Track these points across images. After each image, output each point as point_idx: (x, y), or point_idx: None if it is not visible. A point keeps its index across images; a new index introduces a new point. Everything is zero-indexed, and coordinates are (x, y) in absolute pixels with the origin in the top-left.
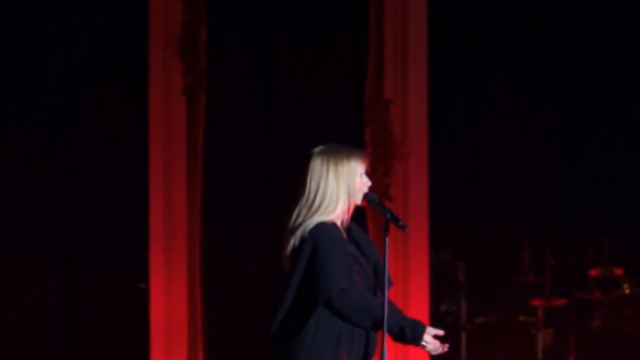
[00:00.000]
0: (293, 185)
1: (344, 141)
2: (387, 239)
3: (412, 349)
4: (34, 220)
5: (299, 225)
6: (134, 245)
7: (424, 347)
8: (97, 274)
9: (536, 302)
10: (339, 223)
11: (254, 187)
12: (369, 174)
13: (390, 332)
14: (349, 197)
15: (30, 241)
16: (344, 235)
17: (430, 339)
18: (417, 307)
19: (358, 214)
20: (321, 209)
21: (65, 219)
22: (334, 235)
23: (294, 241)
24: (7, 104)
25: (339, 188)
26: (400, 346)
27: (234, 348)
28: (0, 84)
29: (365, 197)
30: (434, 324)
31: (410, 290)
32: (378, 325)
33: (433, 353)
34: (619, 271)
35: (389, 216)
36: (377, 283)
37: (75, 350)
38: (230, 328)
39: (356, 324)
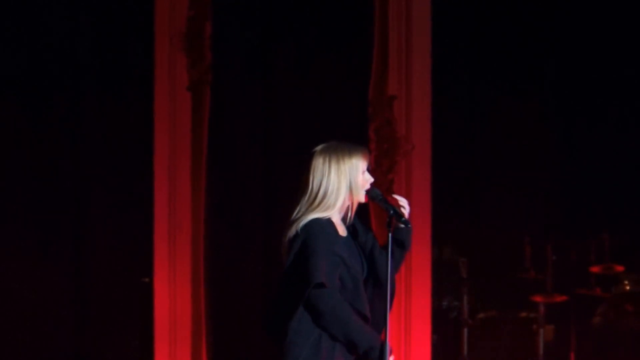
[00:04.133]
0: (295, 181)
1: (348, 137)
2: (390, 235)
3: (414, 347)
4: (42, 216)
5: (296, 219)
6: (138, 240)
7: None
8: (103, 269)
9: (537, 298)
10: (336, 219)
11: (258, 182)
12: (373, 170)
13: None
14: (351, 194)
15: (39, 236)
16: (339, 231)
17: None
18: (419, 302)
19: (361, 210)
20: (321, 206)
21: (72, 213)
22: (325, 233)
23: (289, 235)
24: (13, 101)
25: (340, 185)
26: (402, 342)
27: (238, 341)
28: (6, 81)
29: (369, 193)
30: (436, 320)
31: (412, 285)
32: (350, 342)
33: None
34: (619, 268)
35: (392, 212)
36: (371, 274)
37: (82, 342)
38: (234, 321)
39: (326, 328)
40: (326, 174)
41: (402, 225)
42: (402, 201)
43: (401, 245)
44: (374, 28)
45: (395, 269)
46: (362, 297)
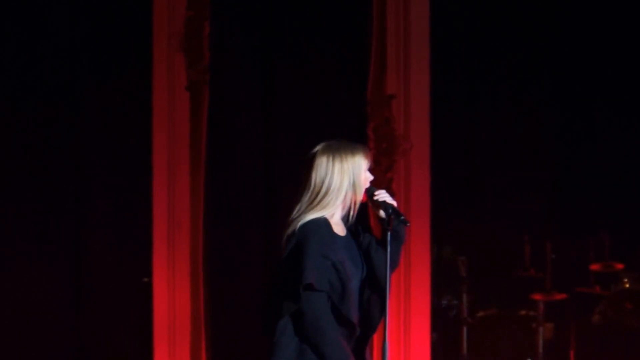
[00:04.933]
0: (295, 180)
1: (346, 137)
2: (389, 234)
3: (414, 345)
4: (41, 216)
5: (295, 219)
6: (137, 240)
7: None
8: (102, 268)
9: (537, 297)
10: (335, 219)
11: (257, 182)
12: (371, 169)
13: None
14: (353, 192)
15: (39, 236)
16: (338, 231)
17: None
18: (419, 301)
19: (360, 210)
20: (321, 204)
21: (71, 213)
22: (320, 234)
23: (287, 234)
24: (12, 101)
25: (342, 183)
26: (402, 340)
27: (237, 341)
28: (5, 81)
29: (367, 191)
30: (436, 318)
31: (411, 284)
32: (321, 354)
33: None
34: (619, 266)
35: (390, 210)
36: (368, 273)
37: (81, 342)
38: (233, 321)
39: (303, 332)
40: (329, 172)
41: (402, 224)
42: (382, 194)
43: (398, 241)
44: (373, 27)
45: (394, 265)
46: (349, 301)
